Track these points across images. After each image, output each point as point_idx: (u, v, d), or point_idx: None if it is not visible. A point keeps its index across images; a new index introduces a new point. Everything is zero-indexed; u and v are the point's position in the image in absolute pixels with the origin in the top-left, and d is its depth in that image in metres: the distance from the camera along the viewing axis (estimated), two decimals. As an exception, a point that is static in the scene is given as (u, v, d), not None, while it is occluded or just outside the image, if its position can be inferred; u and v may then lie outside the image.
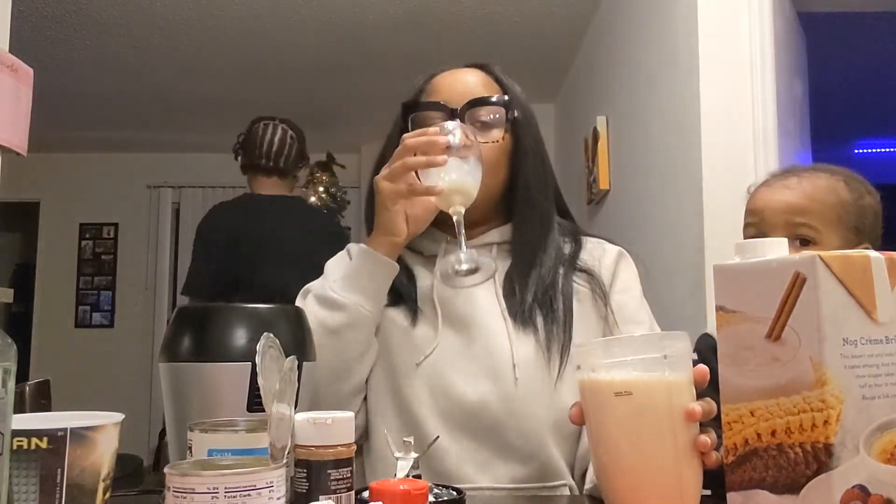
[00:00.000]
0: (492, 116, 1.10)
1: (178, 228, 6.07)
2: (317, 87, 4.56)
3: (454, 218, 0.99)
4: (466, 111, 1.09)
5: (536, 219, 1.13)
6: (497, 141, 1.09)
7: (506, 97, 1.12)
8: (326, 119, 5.14)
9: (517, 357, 1.03)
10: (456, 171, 0.97)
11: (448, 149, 0.97)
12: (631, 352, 0.73)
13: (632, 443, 0.71)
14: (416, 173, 1.00)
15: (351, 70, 4.21)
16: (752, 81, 2.04)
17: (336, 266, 1.12)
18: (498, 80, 1.15)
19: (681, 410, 0.70)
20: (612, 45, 3.25)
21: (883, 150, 5.81)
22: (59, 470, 0.58)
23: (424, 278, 1.12)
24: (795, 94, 2.33)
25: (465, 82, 1.13)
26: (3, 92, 0.69)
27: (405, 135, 1.01)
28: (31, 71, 0.73)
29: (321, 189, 5.28)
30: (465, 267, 0.98)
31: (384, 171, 1.02)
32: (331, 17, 3.57)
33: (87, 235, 6.05)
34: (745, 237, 1.17)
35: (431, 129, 0.99)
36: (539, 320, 1.06)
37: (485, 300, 1.08)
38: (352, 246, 1.11)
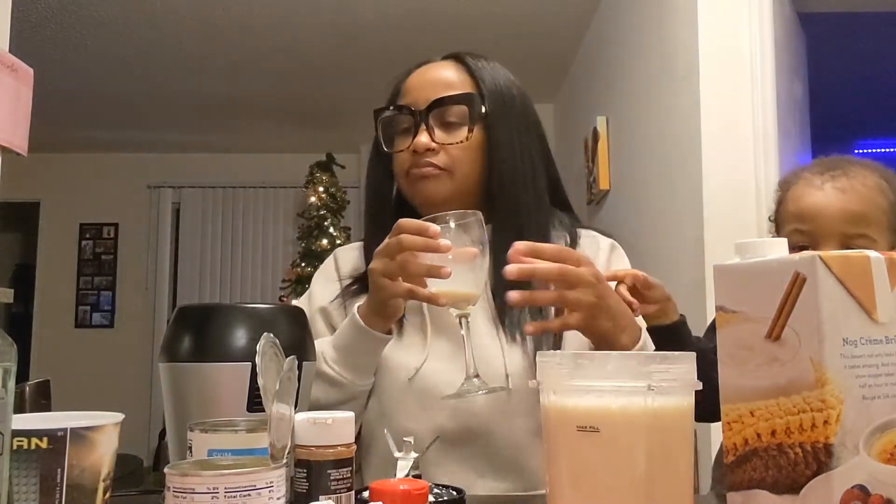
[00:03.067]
0: (458, 115, 1.06)
1: (178, 228, 6.07)
2: (317, 87, 4.56)
3: (459, 320, 0.92)
4: (430, 114, 1.06)
5: (516, 217, 1.07)
6: (461, 141, 1.06)
7: (469, 93, 1.07)
8: (326, 119, 5.14)
9: (510, 367, 1.02)
10: (461, 276, 0.88)
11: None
12: (605, 375, 0.58)
13: (592, 490, 0.58)
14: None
15: (351, 70, 4.21)
16: (752, 82, 2.04)
17: (331, 337, 1.05)
18: (471, 72, 1.10)
19: (662, 455, 0.57)
20: (612, 45, 3.25)
21: (883, 150, 5.80)
22: (59, 470, 0.58)
23: None
24: (795, 95, 2.33)
25: (434, 81, 1.09)
26: (3, 92, 0.69)
27: (403, 222, 0.90)
28: (31, 71, 0.73)
29: (321, 189, 5.29)
30: (480, 393, 0.90)
31: (379, 262, 0.92)
32: (331, 17, 3.57)
33: (87, 235, 6.05)
34: (793, 243, 1.11)
35: (432, 230, 0.87)
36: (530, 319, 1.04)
37: (476, 307, 1.06)
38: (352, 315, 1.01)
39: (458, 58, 1.12)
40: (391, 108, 1.10)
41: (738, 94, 2.06)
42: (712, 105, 2.09)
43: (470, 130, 1.06)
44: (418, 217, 0.95)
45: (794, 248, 1.06)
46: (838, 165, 1.14)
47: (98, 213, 6.04)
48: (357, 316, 0.98)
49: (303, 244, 5.25)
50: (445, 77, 1.09)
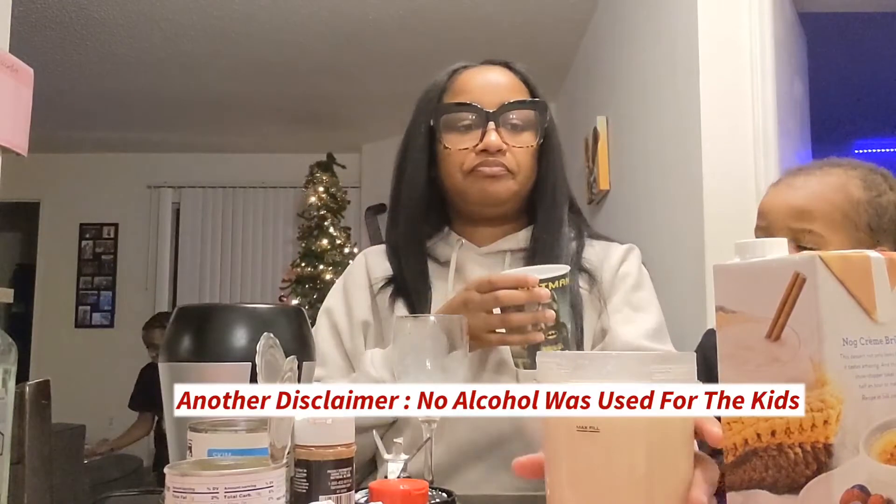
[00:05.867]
0: (525, 120, 1.10)
1: (178, 228, 6.07)
2: (317, 87, 4.56)
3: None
4: (501, 115, 1.08)
5: (556, 224, 1.13)
6: (531, 146, 1.10)
7: (542, 101, 1.12)
8: (326, 119, 5.14)
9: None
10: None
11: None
12: (604, 375, 0.57)
13: (592, 490, 0.57)
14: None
15: (351, 70, 4.21)
16: (752, 81, 2.04)
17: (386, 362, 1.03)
18: (525, 81, 1.13)
19: (662, 455, 0.56)
20: (612, 45, 3.24)
21: (883, 150, 5.80)
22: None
23: (438, 289, 1.11)
24: (795, 94, 2.33)
25: (496, 82, 1.11)
26: (3, 92, 0.69)
27: (498, 278, 0.94)
28: (31, 71, 0.73)
29: (321, 189, 5.28)
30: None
31: (480, 319, 0.95)
32: (331, 17, 3.57)
33: (87, 235, 6.05)
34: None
35: (531, 281, 0.93)
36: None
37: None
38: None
39: (507, 65, 1.14)
40: (462, 104, 1.09)
41: (738, 94, 2.05)
42: (712, 105, 2.08)
43: (540, 136, 1.10)
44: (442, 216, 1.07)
45: None
46: (814, 165, 1.16)
47: (98, 213, 6.03)
48: None
49: (303, 244, 5.25)
50: (506, 80, 1.12)
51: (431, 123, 1.10)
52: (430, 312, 1.08)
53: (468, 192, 1.10)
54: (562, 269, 0.97)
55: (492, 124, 1.07)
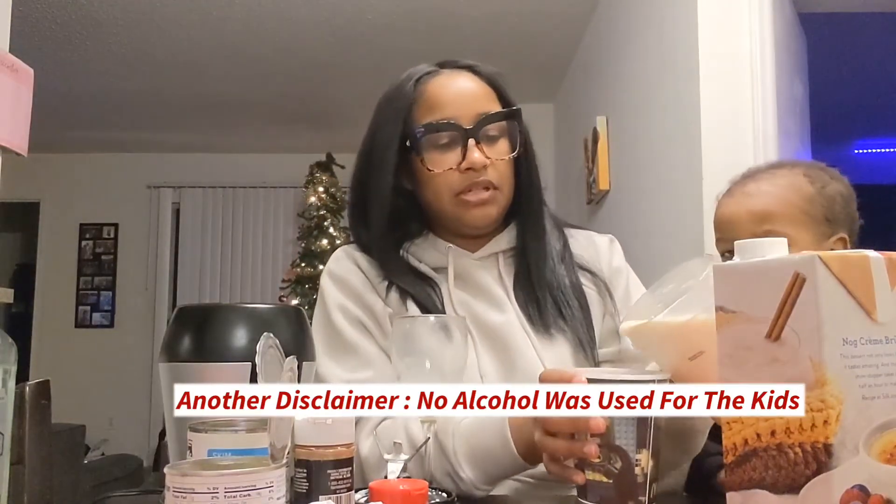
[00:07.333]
0: (501, 129, 1.08)
1: (178, 228, 6.07)
2: (317, 87, 4.56)
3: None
4: (479, 129, 1.05)
5: (538, 224, 1.13)
6: (510, 157, 1.08)
7: (518, 108, 1.09)
8: (326, 119, 5.14)
9: (546, 363, 1.03)
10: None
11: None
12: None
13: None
14: None
15: (351, 70, 4.21)
16: (752, 81, 2.04)
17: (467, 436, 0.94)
18: (492, 84, 1.10)
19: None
20: (611, 45, 3.25)
21: (883, 150, 5.80)
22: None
23: (440, 296, 1.10)
24: (795, 94, 2.33)
25: (468, 92, 1.08)
26: (3, 92, 0.69)
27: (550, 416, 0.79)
28: (31, 71, 0.73)
29: (321, 189, 5.28)
30: None
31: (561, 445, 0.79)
32: (331, 17, 3.57)
33: (87, 235, 6.06)
34: (719, 252, 1.14)
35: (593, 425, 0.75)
36: (561, 322, 1.07)
37: (507, 313, 1.09)
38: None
39: (473, 69, 1.11)
40: (441, 125, 1.05)
41: (738, 94, 2.06)
42: (712, 105, 2.09)
43: (521, 144, 1.08)
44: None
45: (721, 256, 1.10)
46: (758, 170, 1.17)
47: (98, 213, 6.04)
48: (514, 448, 0.90)
49: (303, 244, 5.25)
50: (479, 89, 1.08)
51: (408, 143, 1.07)
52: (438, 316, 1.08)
53: (459, 218, 1.09)
54: (649, 375, 0.78)
55: (472, 141, 1.04)
